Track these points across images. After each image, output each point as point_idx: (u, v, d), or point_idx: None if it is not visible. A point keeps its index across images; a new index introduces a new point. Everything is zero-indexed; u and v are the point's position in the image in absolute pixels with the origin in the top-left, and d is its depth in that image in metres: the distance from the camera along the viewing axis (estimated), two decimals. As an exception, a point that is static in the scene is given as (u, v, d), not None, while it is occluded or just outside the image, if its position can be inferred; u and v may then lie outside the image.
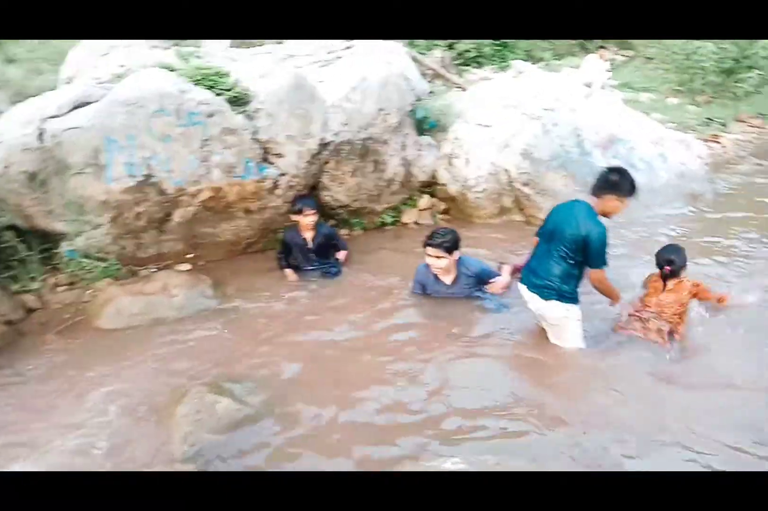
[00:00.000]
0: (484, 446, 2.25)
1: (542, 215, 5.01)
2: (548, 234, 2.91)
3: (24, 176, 3.39)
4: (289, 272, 3.95)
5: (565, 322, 2.94)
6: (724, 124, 9.66)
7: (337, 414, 2.53)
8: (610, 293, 2.97)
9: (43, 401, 2.68)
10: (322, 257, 4.05)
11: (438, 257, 3.34)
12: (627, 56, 14.32)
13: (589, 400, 2.65)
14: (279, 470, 2.19)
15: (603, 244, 2.72)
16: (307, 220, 3.91)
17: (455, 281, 3.50)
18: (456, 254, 3.40)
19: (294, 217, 3.98)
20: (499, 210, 5.24)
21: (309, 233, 4.01)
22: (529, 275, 3.00)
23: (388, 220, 5.05)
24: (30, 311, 3.38)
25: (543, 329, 3.10)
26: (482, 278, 3.52)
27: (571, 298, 2.89)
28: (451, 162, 5.25)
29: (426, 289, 3.57)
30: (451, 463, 1.52)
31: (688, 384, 2.71)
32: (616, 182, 2.75)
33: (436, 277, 3.49)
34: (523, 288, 3.04)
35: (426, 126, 5.36)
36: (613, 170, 2.83)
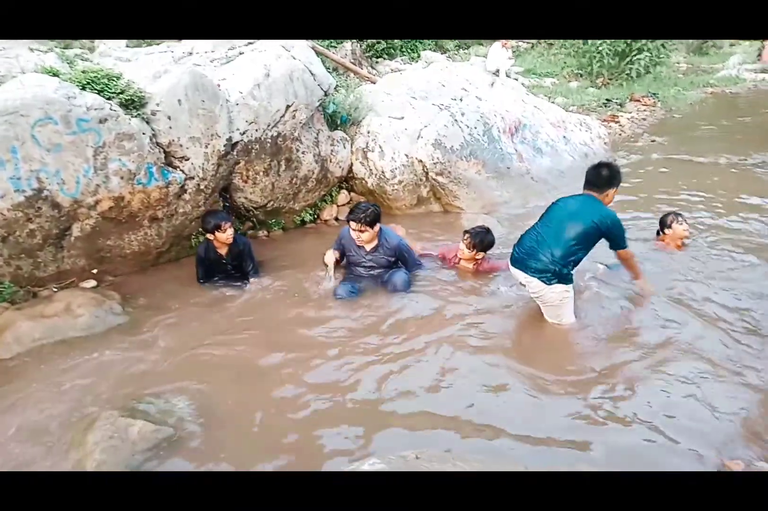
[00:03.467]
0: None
1: (458, 203, 5.18)
2: (556, 222, 3.13)
3: None
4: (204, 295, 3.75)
5: (564, 301, 3.17)
6: (621, 105, 10.25)
7: (261, 421, 2.47)
8: (636, 269, 3.40)
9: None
10: (238, 267, 3.92)
11: (361, 231, 3.58)
12: (530, 43, 14.86)
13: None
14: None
15: (622, 228, 3.12)
16: (226, 234, 3.71)
17: (374, 250, 3.75)
18: (377, 227, 3.65)
19: (210, 236, 3.75)
20: (417, 200, 5.30)
21: (225, 248, 3.83)
22: (527, 259, 3.16)
23: (308, 218, 4.98)
24: None
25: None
26: (399, 251, 3.78)
27: (570, 278, 3.13)
28: (366, 155, 5.25)
29: (346, 251, 3.81)
30: (368, 465, 1.51)
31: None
32: (613, 176, 3.14)
33: (358, 246, 3.74)
34: (518, 272, 3.21)
35: (338, 121, 5.32)
36: (603, 166, 3.18)
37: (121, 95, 3.72)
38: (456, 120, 5.46)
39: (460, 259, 3.92)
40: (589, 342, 3.13)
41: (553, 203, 3.31)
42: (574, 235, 3.05)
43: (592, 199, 3.13)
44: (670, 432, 2.39)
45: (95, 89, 3.66)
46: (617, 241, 3.14)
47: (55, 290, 3.53)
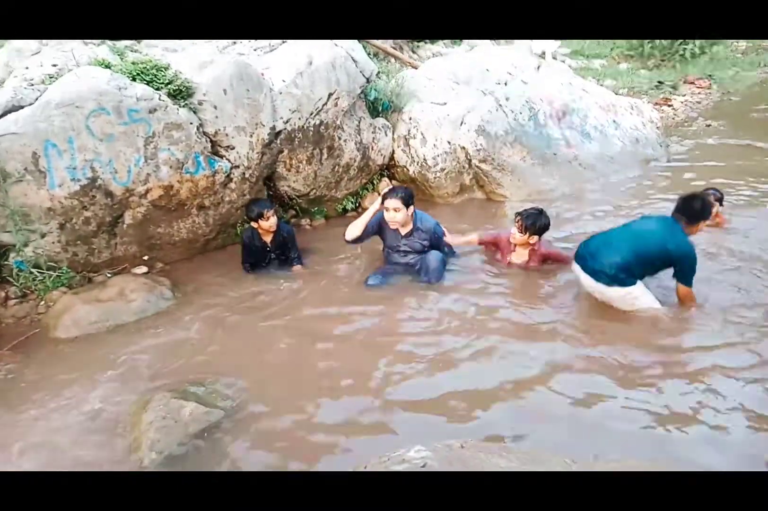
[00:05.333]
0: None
1: (502, 191, 5.09)
2: (632, 233, 3.12)
3: (-38, 189, 3.23)
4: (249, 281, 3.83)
5: (630, 301, 3.12)
6: (674, 87, 9.80)
7: (305, 406, 2.52)
8: (687, 308, 3.19)
9: (3, 419, 2.60)
10: (282, 255, 3.98)
11: (396, 210, 3.55)
12: (577, 24, 14.31)
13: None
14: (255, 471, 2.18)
15: (694, 265, 3.03)
16: (270, 222, 3.77)
17: (410, 234, 3.73)
18: (411, 208, 3.63)
19: (254, 224, 3.81)
20: (460, 188, 5.24)
21: (269, 236, 3.89)
22: (589, 258, 3.14)
23: (350, 206, 5.00)
24: (-18, 327, 3.26)
25: None
26: (434, 236, 3.75)
27: (629, 282, 3.07)
28: (407, 143, 5.22)
29: (382, 234, 3.79)
30: (414, 451, 1.52)
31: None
32: (704, 209, 3.07)
33: (394, 229, 3.72)
34: (579, 269, 3.20)
35: (379, 107, 5.29)
36: (697, 199, 3.11)
37: (169, 86, 3.80)
38: (500, 105, 5.34)
39: (515, 246, 3.73)
40: (660, 332, 3.01)
41: (641, 217, 3.32)
42: (642, 251, 3.01)
43: (678, 226, 3.04)
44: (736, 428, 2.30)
45: (145, 80, 3.75)
46: (684, 275, 3.06)
47: (109, 275, 3.68)
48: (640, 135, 6.25)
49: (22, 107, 3.47)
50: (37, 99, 3.50)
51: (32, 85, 3.65)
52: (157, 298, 3.42)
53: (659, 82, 9.75)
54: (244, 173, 4.14)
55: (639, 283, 3.11)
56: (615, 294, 3.11)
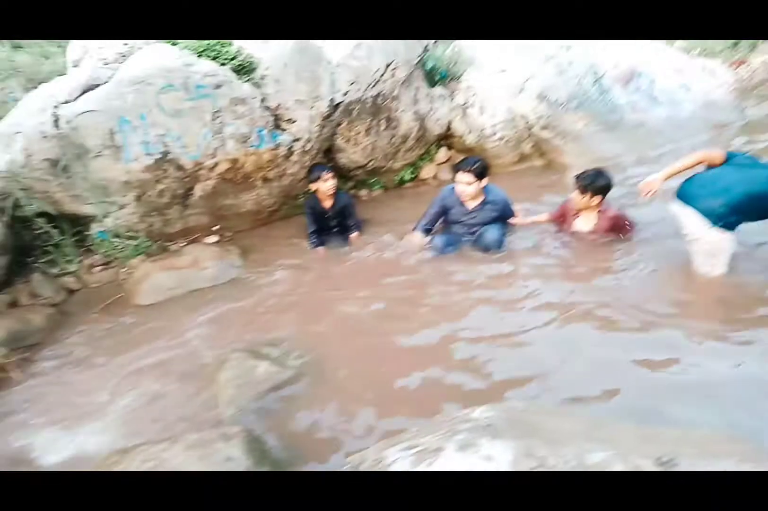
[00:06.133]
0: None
1: (564, 159, 4.96)
2: (745, 176, 2.86)
3: (47, 163, 3.47)
4: (321, 250, 3.96)
5: (722, 249, 2.97)
6: (752, 46, 9.08)
7: (371, 370, 2.62)
8: None
9: (88, 377, 2.84)
10: (341, 223, 4.08)
11: (468, 183, 3.49)
12: (646, -19, 13.41)
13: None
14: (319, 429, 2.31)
15: None
16: (327, 185, 3.89)
17: (480, 206, 3.65)
18: (485, 181, 3.55)
19: (313, 186, 3.97)
20: (519, 157, 5.14)
21: (329, 201, 4.01)
22: (696, 195, 2.95)
23: (407, 177, 5.02)
24: (71, 292, 3.55)
25: None
26: (504, 209, 3.67)
27: (733, 227, 2.92)
28: (465, 112, 5.14)
29: (447, 210, 3.71)
30: (479, 411, 1.57)
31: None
32: None
33: (460, 201, 3.63)
34: (679, 207, 3.01)
35: (437, 77, 5.22)
36: None
37: (233, 61, 3.90)
38: (562, 70, 5.16)
39: (578, 211, 3.57)
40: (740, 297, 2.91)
41: (745, 157, 3.03)
42: (756, 193, 2.79)
43: None
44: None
45: (210, 56, 3.86)
46: None
47: (183, 244, 3.90)
48: (712, 99, 5.90)
49: (98, 85, 3.66)
50: (111, 77, 3.68)
51: (107, 64, 3.83)
52: (228, 266, 3.61)
53: (735, 41, 9.06)
54: (304, 146, 4.22)
55: (734, 235, 2.94)
56: (712, 238, 2.93)
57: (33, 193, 3.50)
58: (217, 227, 4.07)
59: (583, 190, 3.42)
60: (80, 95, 3.62)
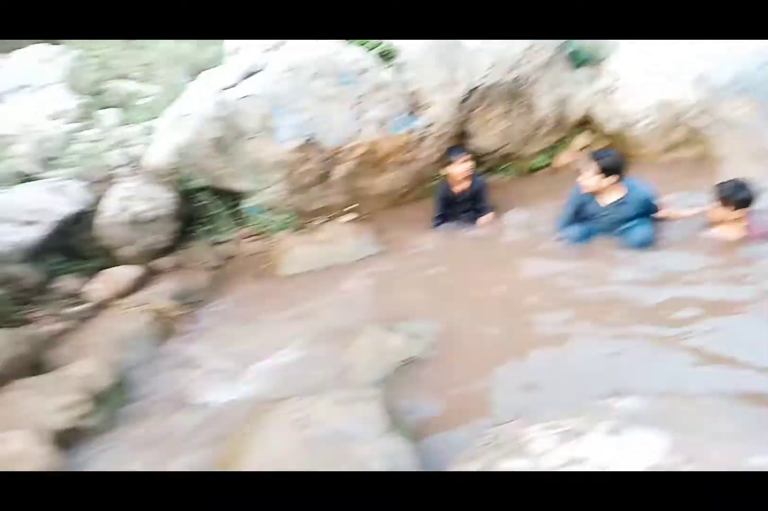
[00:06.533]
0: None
1: (719, 150, 4.54)
2: None
3: (211, 143, 3.89)
4: (448, 232, 4.04)
5: None
6: None
7: (500, 351, 2.68)
8: None
9: (241, 334, 3.17)
10: (472, 207, 4.11)
11: (591, 176, 3.37)
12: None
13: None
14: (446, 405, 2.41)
15: None
16: (462, 168, 3.94)
17: (617, 203, 3.44)
18: (613, 178, 3.36)
19: (447, 170, 4.03)
20: (667, 147, 4.79)
21: (461, 186, 4.05)
22: None
23: (540, 164, 4.91)
24: (227, 259, 3.98)
25: None
26: (647, 206, 3.43)
27: None
28: (608, 97, 4.88)
29: (582, 208, 3.55)
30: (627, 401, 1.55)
31: None
32: None
33: (593, 197, 3.49)
34: None
35: (578, 60, 5.01)
36: None
37: (377, 48, 4.06)
38: (722, 51, 4.69)
39: (718, 222, 3.29)
40: None
41: None
42: None
43: None
44: None
45: (357, 43, 4.05)
46: None
47: (323, 222, 4.19)
48: None
49: (256, 73, 4.01)
50: (267, 65, 4.01)
51: (266, 50, 4.16)
52: (363, 243, 3.83)
53: None
54: (438, 131, 4.30)
55: None
56: None
57: (198, 169, 3.95)
58: (354, 207, 4.30)
59: (725, 202, 3.18)
60: (241, 81, 3.99)
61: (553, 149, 4.96)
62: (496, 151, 4.70)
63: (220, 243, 4.03)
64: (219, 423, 2.50)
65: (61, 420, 2.48)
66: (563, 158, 4.89)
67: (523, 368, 2.56)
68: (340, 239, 3.83)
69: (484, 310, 3.01)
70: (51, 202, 3.50)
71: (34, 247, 3.36)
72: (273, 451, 1.99)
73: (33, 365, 2.88)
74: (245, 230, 4.11)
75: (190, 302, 3.44)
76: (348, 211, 4.27)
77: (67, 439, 2.46)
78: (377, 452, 1.93)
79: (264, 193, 4.08)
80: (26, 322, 3.19)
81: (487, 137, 4.62)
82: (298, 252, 3.77)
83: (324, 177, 4.15)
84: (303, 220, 4.18)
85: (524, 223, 3.90)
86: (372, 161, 4.20)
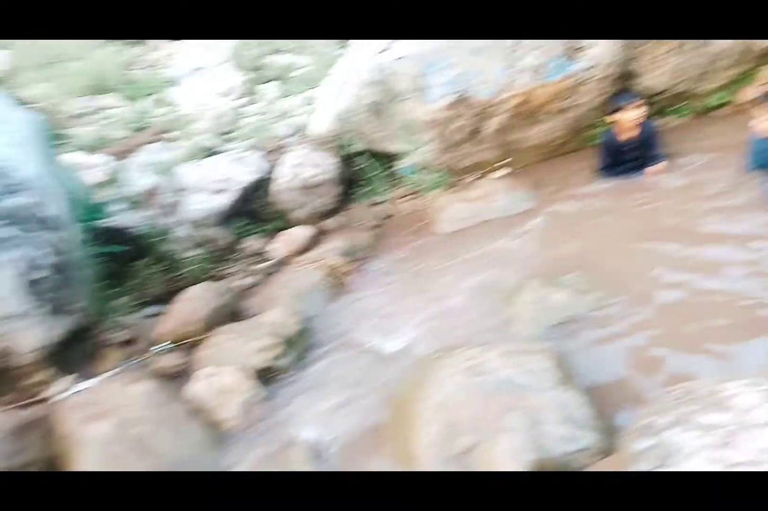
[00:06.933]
0: None
1: None
2: None
3: (368, 107, 4.05)
4: (615, 182, 3.82)
5: None
6: None
7: (673, 310, 2.55)
8: None
9: (403, 286, 3.39)
10: (641, 156, 3.81)
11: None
12: None
13: None
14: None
15: None
16: (634, 114, 3.66)
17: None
18: None
19: (614, 117, 3.76)
20: None
21: (629, 133, 3.77)
22: None
23: (719, 102, 4.35)
24: (386, 218, 4.21)
25: None
26: None
27: None
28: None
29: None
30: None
31: None
32: None
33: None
34: None
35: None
36: None
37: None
38: None
39: None
40: None
41: None
42: None
43: None
44: None
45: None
46: None
47: (476, 178, 4.20)
48: None
49: (406, 32, 4.03)
50: (416, 22, 4.00)
51: (415, 9, 4.16)
52: (517, 199, 3.80)
53: None
54: (600, 73, 3.99)
55: None
56: None
57: (356, 134, 4.15)
58: (507, 161, 4.23)
59: None
60: (392, 44, 4.05)
61: (734, 85, 4.36)
62: (666, 90, 4.26)
63: (378, 204, 4.25)
64: (390, 369, 2.75)
65: (259, 360, 2.90)
66: (746, 94, 4.29)
67: (703, 326, 2.41)
68: (495, 195, 3.83)
69: (653, 264, 2.86)
70: (234, 171, 3.96)
71: (223, 212, 3.85)
72: (447, 397, 2.15)
73: (232, 313, 3.36)
74: (400, 191, 4.28)
75: (357, 258, 3.73)
76: (501, 166, 4.22)
77: (264, 376, 2.88)
78: (552, 402, 2.01)
79: (417, 153, 4.18)
80: (223, 277, 3.71)
81: (655, 76, 4.20)
82: (453, 210, 3.86)
83: (475, 133, 4.13)
84: (456, 177, 4.22)
85: (701, 170, 3.54)
86: (526, 112, 4.06)
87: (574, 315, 2.67)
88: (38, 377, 2.73)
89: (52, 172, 3.10)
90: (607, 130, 3.87)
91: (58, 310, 2.83)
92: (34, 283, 2.72)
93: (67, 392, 2.65)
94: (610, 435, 1.91)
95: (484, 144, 4.18)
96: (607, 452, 1.81)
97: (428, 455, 2.02)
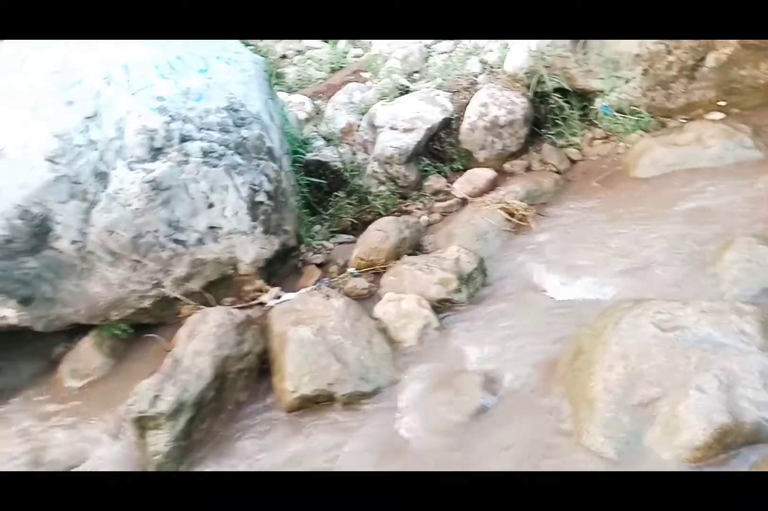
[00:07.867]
0: None
1: None
2: None
3: (568, 41, 3.79)
4: None
5: None
6: None
7: None
8: None
9: (585, 235, 3.26)
10: None
11: None
12: None
13: None
14: None
15: None
16: None
17: None
18: None
19: None
20: None
21: None
22: None
23: None
24: (573, 162, 4.01)
25: None
26: None
27: None
28: None
29: None
30: None
31: None
32: None
33: None
34: None
35: None
36: None
37: None
38: None
39: None
40: None
41: None
42: None
43: None
44: None
45: None
46: None
47: (683, 121, 3.77)
48: None
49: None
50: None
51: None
52: (736, 146, 3.36)
53: None
54: None
55: None
56: None
57: (553, 70, 3.93)
58: (724, 103, 3.72)
59: None
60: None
61: None
62: None
63: (568, 146, 4.05)
64: (567, 315, 2.74)
65: (436, 291, 3.07)
66: None
67: None
68: (708, 140, 3.41)
69: None
70: (424, 111, 4.03)
71: (411, 151, 3.99)
72: (633, 346, 2.11)
73: (414, 246, 3.57)
74: (595, 132, 4.02)
75: (540, 202, 3.65)
76: (718, 108, 3.72)
77: (440, 307, 3.05)
78: (753, 366, 1.88)
79: (618, 91, 3.86)
80: (406, 212, 3.91)
81: None
82: (657, 153, 3.54)
83: (693, 68, 3.67)
84: (662, 119, 3.83)
85: None
86: (758, 44, 3.48)
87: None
88: (255, 285, 3.24)
89: (270, 109, 3.48)
90: None
91: (270, 230, 3.28)
92: (255, 205, 3.17)
93: (278, 300, 3.11)
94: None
95: (699, 82, 3.70)
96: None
97: (605, 400, 2.04)
